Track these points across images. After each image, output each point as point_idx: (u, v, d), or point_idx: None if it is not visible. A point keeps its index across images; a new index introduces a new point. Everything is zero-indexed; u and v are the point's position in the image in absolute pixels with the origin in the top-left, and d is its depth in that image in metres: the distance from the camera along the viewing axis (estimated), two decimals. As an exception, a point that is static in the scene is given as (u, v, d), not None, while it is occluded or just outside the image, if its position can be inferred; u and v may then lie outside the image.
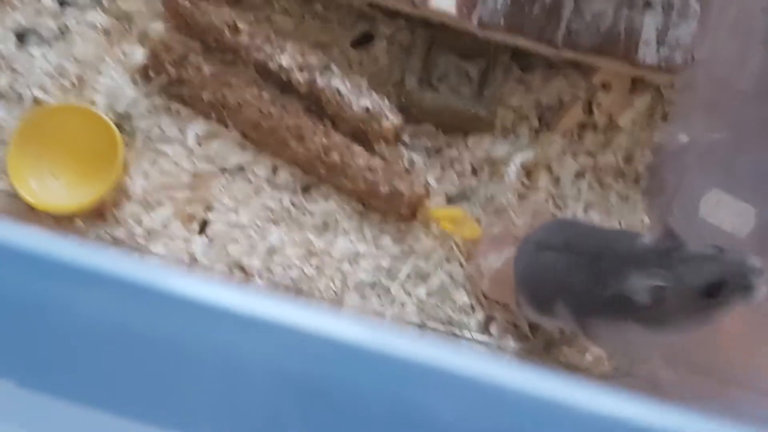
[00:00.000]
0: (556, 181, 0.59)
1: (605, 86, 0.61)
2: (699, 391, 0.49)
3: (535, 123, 0.60)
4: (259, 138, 0.59)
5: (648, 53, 0.57)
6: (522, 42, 0.58)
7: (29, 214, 0.57)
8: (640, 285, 0.42)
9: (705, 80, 0.60)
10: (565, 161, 0.59)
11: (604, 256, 0.45)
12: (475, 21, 0.57)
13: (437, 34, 0.60)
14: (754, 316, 0.50)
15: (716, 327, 0.46)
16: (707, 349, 0.51)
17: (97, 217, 0.58)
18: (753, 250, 0.55)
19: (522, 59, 0.61)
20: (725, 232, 0.54)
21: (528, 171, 0.59)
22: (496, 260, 0.53)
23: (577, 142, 0.60)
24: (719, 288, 0.42)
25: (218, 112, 0.59)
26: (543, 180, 0.58)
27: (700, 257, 0.42)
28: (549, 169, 0.59)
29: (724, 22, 0.61)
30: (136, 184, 0.59)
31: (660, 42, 0.57)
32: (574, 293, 0.46)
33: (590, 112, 0.60)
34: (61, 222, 0.57)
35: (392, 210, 0.57)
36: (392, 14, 0.62)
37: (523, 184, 0.58)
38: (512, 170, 0.55)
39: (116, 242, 0.57)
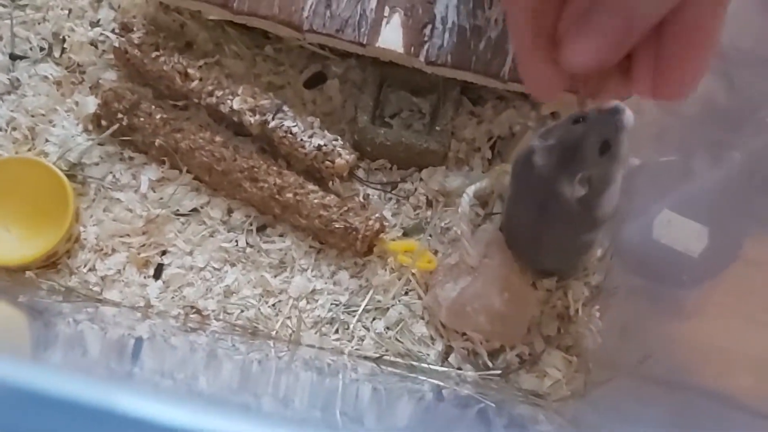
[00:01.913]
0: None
1: (554, 115, 0.62)
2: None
3: (488, 154, 0.61)
4: (212, 181, 0.59)
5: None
6: (470, 77, 0.59)
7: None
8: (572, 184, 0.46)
9: (653, 106, 0.61)
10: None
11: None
12: (422, 58, 0.58)
13: (388, 71, 0.61)
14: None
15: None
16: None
17: (49, 267, 0.57)
18: (707, 268, 0.55)
19: (472, 92, 0.62)
20: (679, 251, 0.54)
21: (482, 200, 0.59)
22: (453, 290, 0.53)
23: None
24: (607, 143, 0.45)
25: (171, 157, 0.59)
26: (497, 209, 0.58)
27: (579, 132, 0.45)
28: (502, 198, 0.59)
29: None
30: (90, 232, 0.58)
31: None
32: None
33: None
34: (13, 275, 0.57)
35: (348, 246, 0.57)
36: (343, 54, 0.62)
37: (477, 214, 0.58)
38: (465, 201, 0.55)
39: (69, 292, 0.56)
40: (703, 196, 0.57)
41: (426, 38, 0.58)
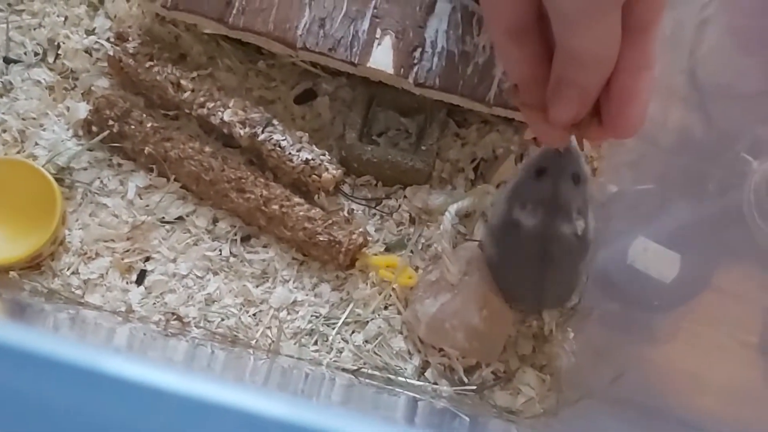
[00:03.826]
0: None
1: (536, 141, 0.63)
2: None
3: (471, 175, 0.62)
4: (200, 190, 0.60)
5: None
6: (457, 100, 0.60)
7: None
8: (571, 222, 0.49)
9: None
10: (499, 210, 0.61)
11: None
12: (411, 80, 0.59)
13: (377, 91, 0.63)
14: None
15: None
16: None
17: (33, 269, 0.58)
18: (678, 295, 0.57)
19: (458, 115, 0.64)
20: (652, 277, 0.56)
21: (464, 220, 0.60)
22: (432, 305, 0.54)
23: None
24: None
25: (159, 166, 0.60)
26: (478, 228, 0.59)
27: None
28: (485, 217, 0.60)
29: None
30: (74, 236, 0.59)
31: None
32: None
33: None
34: (-5, 274, 0.57)
35: (331, 258, 0.58)
36: (334, 72, 0.64)
37: (459, 232, 0.60)
38: (447, 218, 0.57)
39: (51, 294, 0.56)
40: (677, 225, 0.59)
41: (416, 61, 0.59)
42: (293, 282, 0.58)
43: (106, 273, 0.58)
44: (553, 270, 0.52)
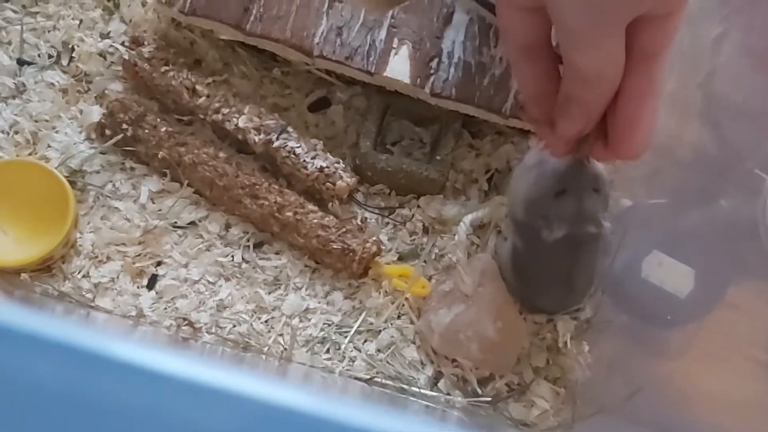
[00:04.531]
0: (504, 240, 0.60)
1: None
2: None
3: (485, 186, 0.62)
4: (213, 195, 0.60)
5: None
6: (473, 111, 0.60)
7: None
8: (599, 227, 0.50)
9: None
10: (514, 222, 0.61)
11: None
12: (427, 90, 0.59)
13: (392, 100, 0.63)
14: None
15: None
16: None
17: (44, 271, 0.57)
18: (693, 310, 0.57)
19: (472, 126, 0.64)
20: (666, 291, 0.56)
21: (477, 231, 0.60)
22: (446, 316, 0.53)
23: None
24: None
25: (173, 170, 0.60)
26: (492, 239, 0.59)
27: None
28: (498, 228, 0.60)
29: (664, 96, 0.65)
30: (86, 239, 0.58)
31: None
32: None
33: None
34: (6, 276, 0.56)
35: (344, 267, 0.57)
36: (348, 81, 0.64)
37: (472, 242, 0.60)
38: (462, 229, 0.57)
39: (62, 296, 0.56)
40: (691, 240, 0.59)
41: (432, 71, 0.59)
42: (306, 289, 0.58)
43: (117, 277, 0.58)
44: (582, 263, 0.52)
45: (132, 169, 0.61)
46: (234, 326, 0.56)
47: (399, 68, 0.59)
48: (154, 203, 0.60)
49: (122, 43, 0.64)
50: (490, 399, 0.54)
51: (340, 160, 0.60)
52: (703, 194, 0.60)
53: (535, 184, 0.50)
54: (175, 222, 0.59)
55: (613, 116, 0.39)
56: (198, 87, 0.61)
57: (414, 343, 0.57)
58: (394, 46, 0.60)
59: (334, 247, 0.57)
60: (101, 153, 0.61)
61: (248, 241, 0.59)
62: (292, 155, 0.59)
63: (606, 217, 0.50)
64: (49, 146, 0.61)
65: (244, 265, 0.58)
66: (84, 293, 0.57)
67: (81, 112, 0.63)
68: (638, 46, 0.36)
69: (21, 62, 0.64)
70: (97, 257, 0.58)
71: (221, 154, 0.60)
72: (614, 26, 0.34)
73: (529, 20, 0.38)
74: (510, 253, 0.55)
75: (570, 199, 0.48)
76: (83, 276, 0.57)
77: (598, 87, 0.37)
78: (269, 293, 0.58)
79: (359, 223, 0.60)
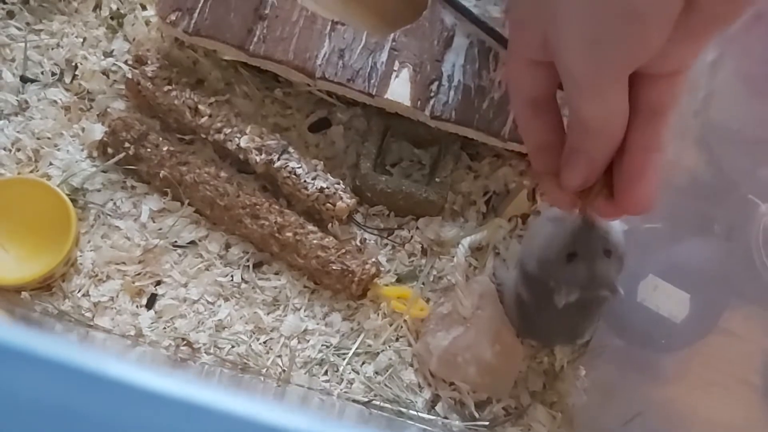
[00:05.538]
0: (503, 263, 0.61)
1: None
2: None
3: (483, 208, 0.63)
4: (213, 215, 0.60)
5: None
6: (472, 134, 0.61)
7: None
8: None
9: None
10: (511, 244, 0.61)
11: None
12: (427, 112, 0.60)
13: (392, 122, 0.63)
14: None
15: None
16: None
17: (43, 289, 0.57)
18: (688, 335, 0.57)
19: (471, 148, 0.64)
20: (662, 316, 0.56)
21: (476, 253, 0.61)
22: (444, 338, 0.54)
23: (522, 227, 0.63)
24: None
25: (174, 189, 0.60)
26: (490, 261, 0.60)
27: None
28: (497, 251, 0.60)
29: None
30: (86, 258, 0.58)
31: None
32: None
33: (534, 199, 0.63)
34: (6, 294, 0.56)
35: (343, 288, 0.58)
36: (349, 102, 0.65)
37: (471, 264, 0.60)
38: (461, 251, 0.57)
39: (61, 315, 0.56)
40: (686, 265, 0.60)
41: (432, 94, 0.60)
42: (304, 310, 0.58)
43: (117, 296, 0.58)
44: (586, 324, 0.53)
45: (133, 187, 0.62)
46: (232, 347, 0.57)
47: (400, 91, 0.60)
48: (154, 222, 0.60)
49: (125, 62, 0.65)
50: (487, 423, 0.54)
51: (340, 181, 0.60)
52: (699, 219, 0.61)
53: (550, 242, 0.49)
54: (176, 241, 0.60)
55: (618, 169, 0.39)
56: (200, 107, 0.62)
57: (412, 365, 0.57)
58: (395, 68, 0.61)
59: (334, 267, 0.57)
60: (103, 171, 0.61)
61: (248, 261, 0.60)
62: (293, 175, 0.59)
63: (620, 280, 0.49)
64: (50, 164, 0.61)
65: (243, 286, 0.59)
66: (83, 312, 0.57)
67: (83, 130, 0.63)
68: (645, 103, 0.37)
69: (24, 79, 0.65)
70: (97, 276, 0.58)
71: (222, 174, 0.60)
72: (617, 75, 0.35)
73: (538, 73, 0.39)
74: (514, 296, 0.54)
75: (581, 264, 0.48)
76: (83, 295, 0.57)
77: (602, 137, 0.38)
78: (268, 314, 0.58)
79: (358, 244, 0.61)
